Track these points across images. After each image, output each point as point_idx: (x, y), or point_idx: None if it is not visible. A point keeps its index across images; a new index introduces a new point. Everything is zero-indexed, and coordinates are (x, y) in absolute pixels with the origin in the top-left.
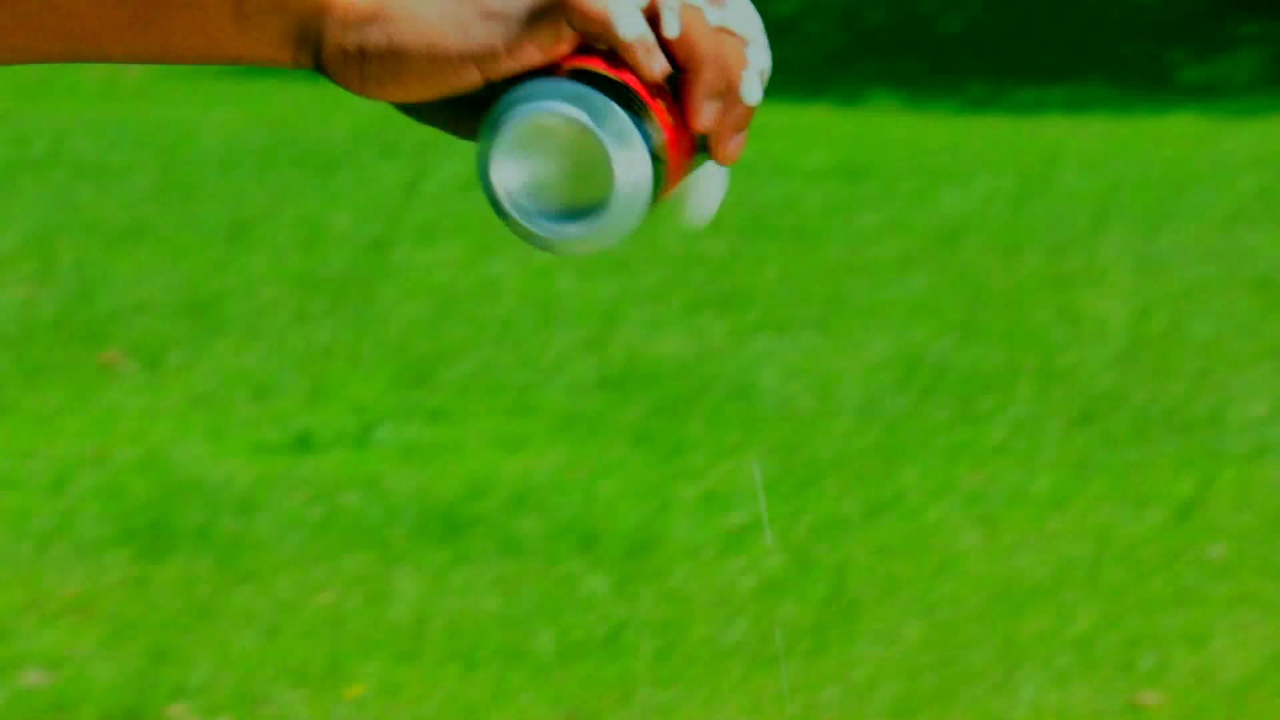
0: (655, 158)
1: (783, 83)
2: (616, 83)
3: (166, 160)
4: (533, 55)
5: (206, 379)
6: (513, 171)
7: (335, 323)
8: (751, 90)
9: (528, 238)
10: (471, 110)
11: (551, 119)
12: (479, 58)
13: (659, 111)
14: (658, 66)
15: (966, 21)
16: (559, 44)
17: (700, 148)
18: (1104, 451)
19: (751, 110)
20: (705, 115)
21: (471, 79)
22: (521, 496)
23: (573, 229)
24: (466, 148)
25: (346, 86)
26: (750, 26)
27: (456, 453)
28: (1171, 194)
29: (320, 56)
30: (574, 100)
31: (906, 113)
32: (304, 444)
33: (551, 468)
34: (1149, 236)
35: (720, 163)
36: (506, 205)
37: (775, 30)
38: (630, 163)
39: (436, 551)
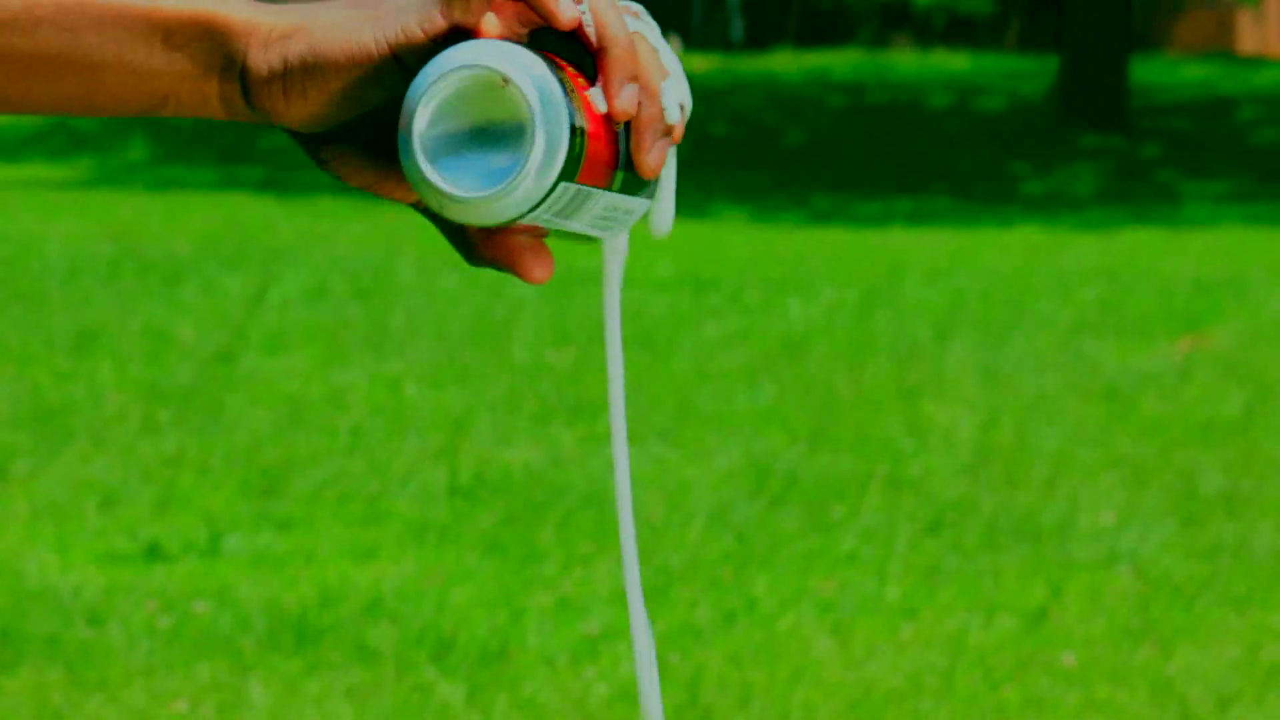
0: (574, 129)
1: None
2: (540, 51)
3: (11, 270)
4: (446, 27)
5: (54, 488)
6: (429, 120)
7: (183, 432)
8: (671, 106)
9: (433, 193)
10: (392, 144)
11: (476, 71)
12: (395, 43)
13: (579, 90)
14: (568, 13)
15: (810, 135)
16: (470, 14)
17: (623, 164)
18: (955, 560)
19: (670, 129)
20: (622, 98)
21: (390, 71)
22: (374, 605)
23: (479, 184)
24: (311, 258)
25: (271, 110)
26: (670, 59)
27: (307, 562)
28: (1015, 305)
29: (245, 79)
30: (500, 55)
31: (752, 224)
32: (153, 553)
33: (403, 576)
34: (994, 347)
35: (641, 173)
36: (416, 147)
37: None
38: (549, 121)
39: (289, 661)
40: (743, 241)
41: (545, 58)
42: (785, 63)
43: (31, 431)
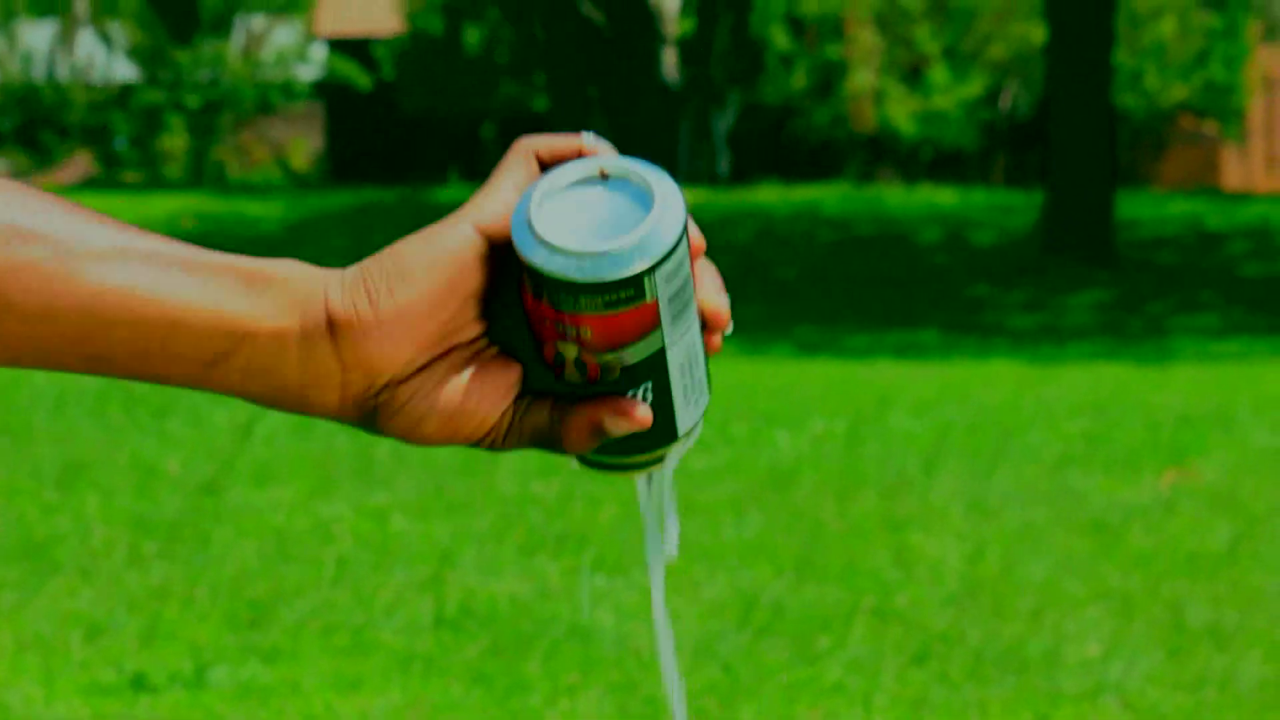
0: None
1: None
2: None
3: None
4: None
5: (39, 620)
6: (540, 201)
7: (169, 564)
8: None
9: (555, 255)
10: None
11: (587, 167)
12: (478, 221)
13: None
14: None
15: (799, 268)
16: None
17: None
18: (941, 691)
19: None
20: (715, 292)
21: (480, 252)
22: None
23: (603, 239)
24: None
25: (359, 336)
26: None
27: (293, 693)
28: (1002, 437)
29: (328, 308)
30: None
31: (740, 356)
32: (139, 685)
33: (389, 707)
34: (981, 479)
35: (712, 349)
36: (533, 210)
37: None
38: (666, 181)
39: None
40: (731, 373)
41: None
42: (772, 196)
43: (18, 564)
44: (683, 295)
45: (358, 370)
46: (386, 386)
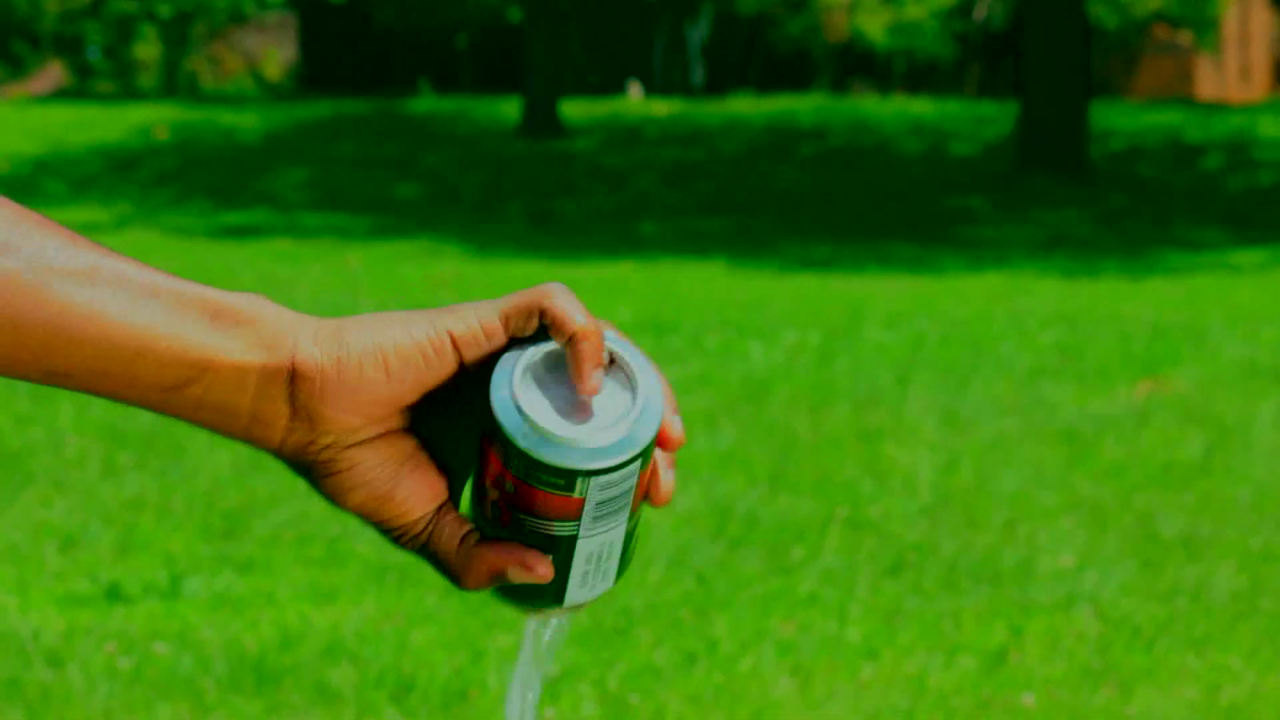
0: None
1: (591, 238)
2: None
3: None
4: (503, 332)
5: (13, 531)
6: (522, 374)
7: (143, 475)
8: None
9: (533, 428)
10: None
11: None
12: (452, 329)
13: None
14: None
15: (773, 180)
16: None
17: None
18: (915, 601)
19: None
20: (677, 425)
21: (446, 356)
22: (334, 647)
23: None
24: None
25: (317, 393)
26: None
27: (268, 604)
28: (975, 349)
29: (294, 361)
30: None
31: (713, 268)
32: (114, 595)
33: (363, 618)
34: (953, 391)
35: (657, 500)
36: (517, 375)
37: (592, 185)
38: (650, 387)
39: (249, 702)
40: (704, 285)
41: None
42: (746, 107)
43: None
44: (617, 501)
45: (305, 422)
46: (328, 446)
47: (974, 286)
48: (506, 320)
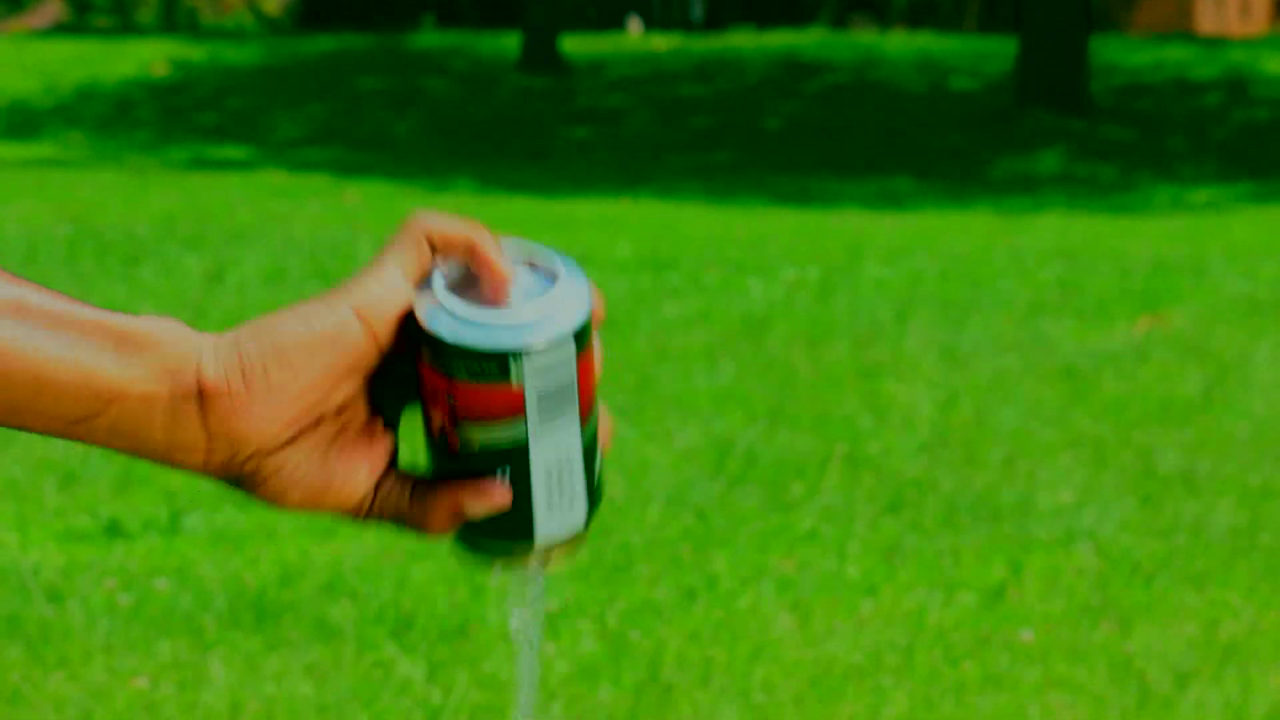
0: (590, 312)
1: (591, 174)
2: None
3: None
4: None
5: (13, 468)
6: (443, 283)
7: None
8: None
9: (451, 324)
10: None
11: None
12: (359, 304)
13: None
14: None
15: (774, 118)
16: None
17: (593, 428)
18: (914, 538)
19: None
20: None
21: (357, 337)
22: (334, 583)
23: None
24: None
25: (228, 408)
26: None
27: (268, 540)
28: (974, 285)
29: (200, 380)
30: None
31: (712, 204)
32: (113, 531)
33: (363, 554)
34: (953, 327)
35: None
36: (437, 287)
37: (592, 120)
38: (576, 273)
39: (249, 638)
40: (703, 222)
41: None
42: (746, 42)
43: None
44: (561, 396)
45: (223, 440)
46: (252, 457)
47: (973, 222)
48: (404, 266)
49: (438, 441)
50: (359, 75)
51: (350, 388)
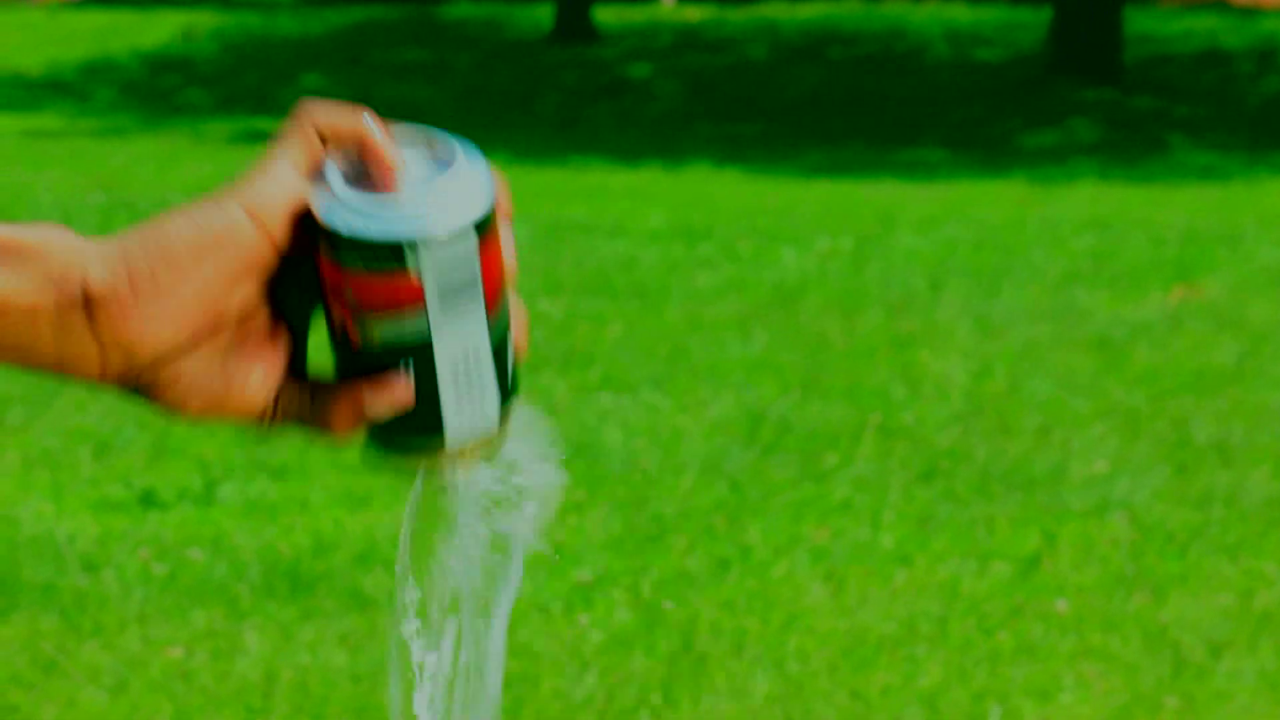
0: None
1: (622, 144)
2: None
3: (2, 220)
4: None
5: (48, 437)
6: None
7: None
8: None
9: (342, 210)
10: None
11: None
12: (248, 202)
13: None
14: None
15: (805, 85)
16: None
17: (502, 324)
18: (948, 508)
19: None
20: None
21: (249, 236)
22: (367, 552)
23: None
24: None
25: (116, 320)
26: None
27: (301, 510)
28: (1007, 255)
29: (86, 290)
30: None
31: (745, 174)
32: (148, 501)
33: (397, 524)
34: (986, 297)
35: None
36: (329, 173)
37: (625, 91)
38: (474, 157)
39: (283, 608)
40: (735, 191)
41: None
42: (779, 12)
43: (25, 380)
44: (464, 289)
45: (116, 350)
46: (150, 366)
47: (1006, 192)
48: (295, 160)
49: (340, 339)
50: (391, 46)
51: (248, 291)
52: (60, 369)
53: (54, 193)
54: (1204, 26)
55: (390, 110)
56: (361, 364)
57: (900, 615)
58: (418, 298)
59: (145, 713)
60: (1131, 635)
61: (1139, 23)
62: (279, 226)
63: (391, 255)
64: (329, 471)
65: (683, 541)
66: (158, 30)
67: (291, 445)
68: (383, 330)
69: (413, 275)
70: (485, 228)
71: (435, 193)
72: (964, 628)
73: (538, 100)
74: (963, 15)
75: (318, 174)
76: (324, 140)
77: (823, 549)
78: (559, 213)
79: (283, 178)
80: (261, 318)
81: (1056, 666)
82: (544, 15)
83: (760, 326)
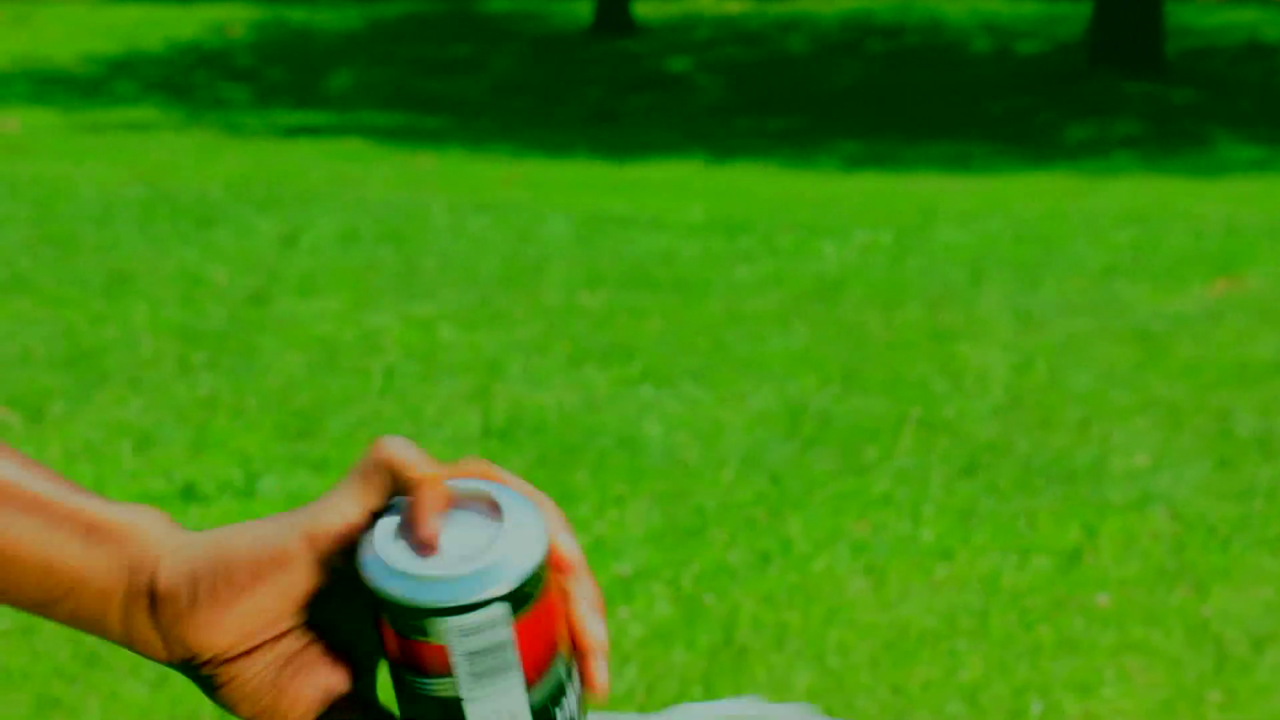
0: (540, 567)
1: (662, 138)
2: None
3: (43, 213)
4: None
5: (89, 430)
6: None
7: (217, 374)
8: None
9: (382, 569)
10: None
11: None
12: (308, 529)
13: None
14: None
15: (845, 79)
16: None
17: (555, 678)
18: (989, 501)
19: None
20: (586, 615)
21: (304, 561)
22: None
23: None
24: (343, 202)
25: (174, 619)
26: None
27: None
28: (1048, 248)
29: (154, 585)
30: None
31: (785, 168)
32: (189, 494)
33: None
34: (1026, 290)
35: (590, 683)
36: (375, 534)
37: (664, 84)
38: (525, 521)
39: None
40: (775, 185)
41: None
42: (819, 5)
43: (66, 373)
44: (495, 657)
45: (178, 645)
46: (208, 663)
47: (1046, 185)
48: (360, 496)
49: (393, 678)
50: (430, 40)
51: (307, 612)
52: (127, 646)
53: (95, 185)
54: (1246, 19)
55: (430, 105)
56: (406, 710)
57: (941, 609)
58: (444, 665)
59: (186, 706)
60: (1173, 629)
61: (1180, 15)
62: (336, 557)
63: (416, 620)
64: None
65: (723, 535)
66: (195, 24)
67: (331, 438)
68: (417, 685)
69: (436, 643)
70: (524, 595)
71: (470, 560)
72: (1005, 622)
73: (577, 94)
74: (1002, 8)
75: (376, 516)
76: (391, 482)
77: (863, 543)
78: (599, 206)
79: (345, 510)
80: (328, 640)
81: (1098, 661)
82: (583, 9)
83: (800, 320)
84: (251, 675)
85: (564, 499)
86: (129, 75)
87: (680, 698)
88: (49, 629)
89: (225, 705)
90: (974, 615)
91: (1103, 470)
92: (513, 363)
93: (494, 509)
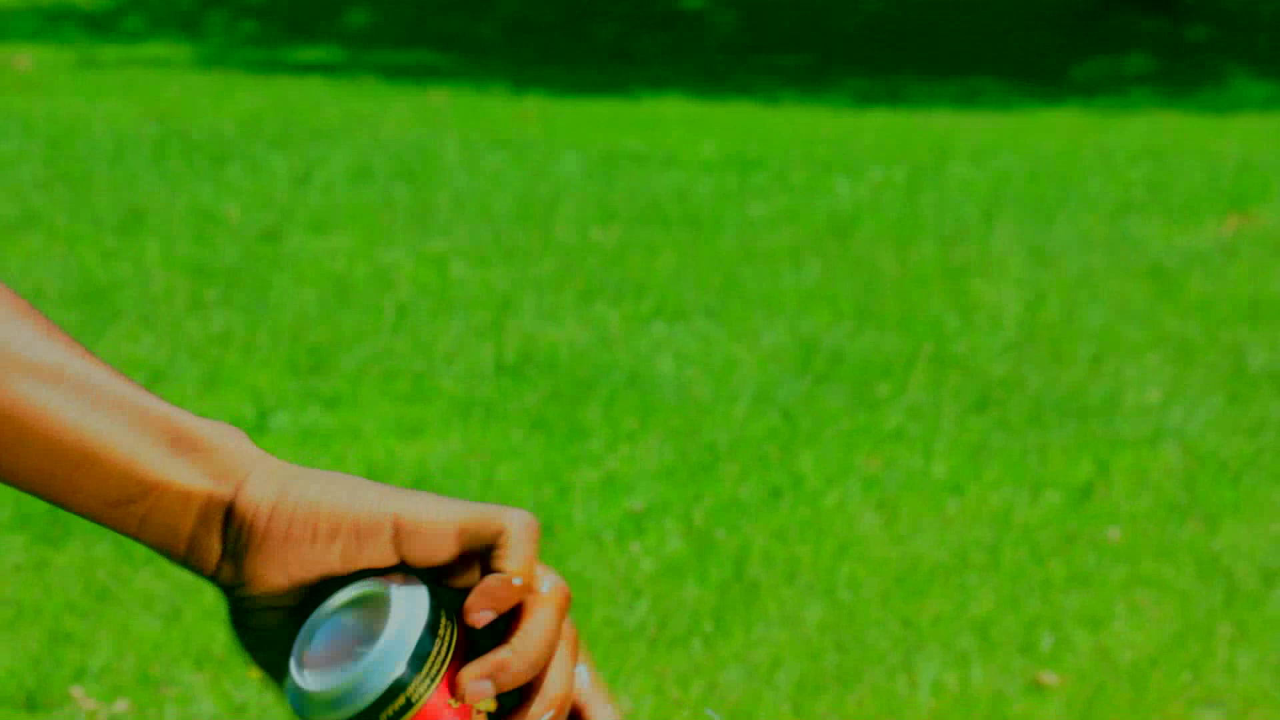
0: (398, 684)
1: (676, 74)
2: (440, 604)
3: (56, 151)
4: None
5: None
6: (325, 614)
7: (229, 311)
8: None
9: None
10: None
11: (367, 586)
12: (399, 511)
13: (449, 665)
14: (482, 615)
15: (857, 16)
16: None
17: None
18: (1000, 436)
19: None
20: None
21: (379, 536)
22: (419, 482)
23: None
24: (356, 139)
25: (247, 540)
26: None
27: (354, 439)
28: (1061, 185)
29: (236, 497)
30: (400, 583)
31: (798, 105)
32: None
33: (449, 453)
34: (1040, 226)
35: None
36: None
37: (676, 21)
38: (389, 653)
39: None
40: (788, 122)
41: (440, 609)
42: None
43: (78, 309)
44: None
45: (236, 567)
46: (247, 599)
47: (1060, 122)
48: (460, 533)
49: None
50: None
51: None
52: (185, 555)
53: (109, 123)
54: None
55: (444, 42)
56: None
57: (952, 544)
58: None
59: (198, 640)
60: (1184, 563)
61: None
62: (413, 549)
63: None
64: (382, 401)
65: (735, 470)
66: None
67: (344, 374)
68: None
69: None
70: (395, 690)
71: (336, 668)
72: (1016, 556)
73: (590, 32)
74: None
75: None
76: (492, 546)
77: (875, 478)
78: (613, 143)
79: (439, 524)
80: None
81: (1109, 595)
82: None
83: (813, 256)
84: (273, 632)
85: (576, 434)
86: (141, 10)
87: (691, 632)
88: (61, 563)
89: (244, 644)
90: (985, 550)
91: (1114, 406)
92: (525, 299)
93: (382, 610)
